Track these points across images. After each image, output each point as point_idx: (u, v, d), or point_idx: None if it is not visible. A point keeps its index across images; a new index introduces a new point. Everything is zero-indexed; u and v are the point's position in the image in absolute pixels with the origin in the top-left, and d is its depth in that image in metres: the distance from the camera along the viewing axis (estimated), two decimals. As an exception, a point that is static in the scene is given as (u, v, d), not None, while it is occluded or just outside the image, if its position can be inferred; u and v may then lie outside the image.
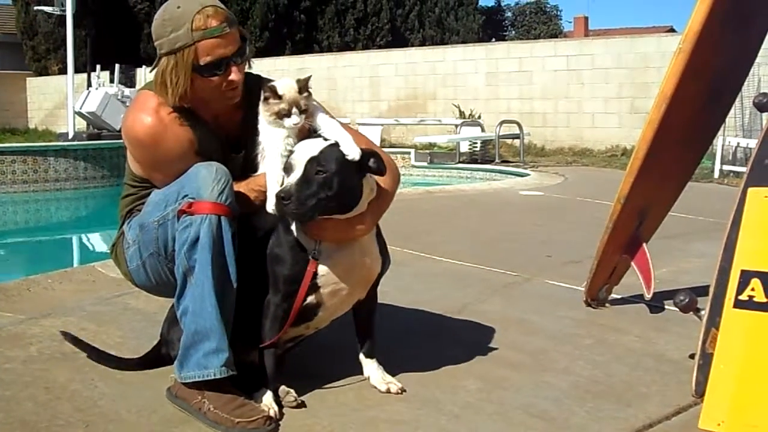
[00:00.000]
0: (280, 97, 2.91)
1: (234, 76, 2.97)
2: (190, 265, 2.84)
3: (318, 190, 2.79)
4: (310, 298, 2.96)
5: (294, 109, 2.90)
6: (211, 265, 2.81)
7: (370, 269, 3.05)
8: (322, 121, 3.00)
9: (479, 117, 17.85)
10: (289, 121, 2.90)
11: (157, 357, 3.32)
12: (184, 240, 2.85)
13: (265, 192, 2.97)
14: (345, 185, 2.84)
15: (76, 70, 20.04)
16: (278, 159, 2.92)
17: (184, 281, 2.88)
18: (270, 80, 3.27)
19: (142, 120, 3.00)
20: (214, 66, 2.94)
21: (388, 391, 3.10)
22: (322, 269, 2.93)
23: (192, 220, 2.83)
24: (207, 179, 2.85)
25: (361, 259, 2.99)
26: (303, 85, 2.94)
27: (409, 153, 15.62)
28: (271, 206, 2.85)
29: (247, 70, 3.14)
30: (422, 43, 28.45)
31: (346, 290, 3.00)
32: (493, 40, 33.45)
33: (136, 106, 3.08)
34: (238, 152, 3.12)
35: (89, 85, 20.69)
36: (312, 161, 2.81)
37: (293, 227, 2.94)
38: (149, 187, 3.17)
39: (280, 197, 2.77)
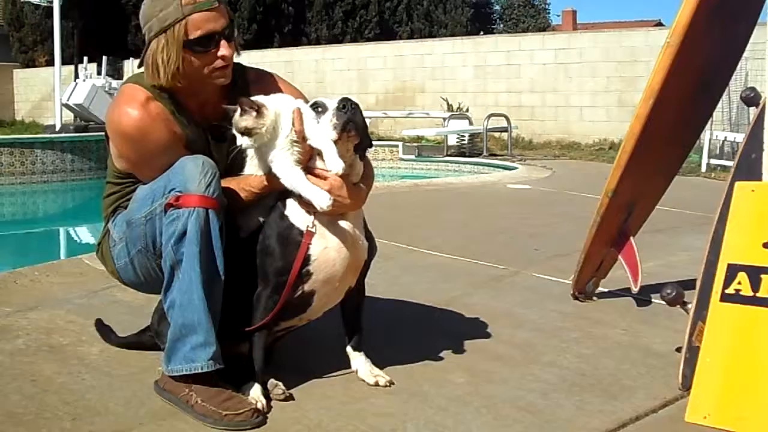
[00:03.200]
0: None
1: (225, 51, 2.96)
2: (177, 258, 2.83)
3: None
4: (304, 287, 2.97)
5: (236, 133, 2.88)
6: (198, 258, 2.80)
7: (359, 251, 3.04)
8: (309, 129, 2.96)
9: (467, 110, 17.86)
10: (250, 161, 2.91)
11: (137, 342, 3.43)
12: (172, 233, 2.84)
13: (255, 192, 2.99)
14: None
15: (63, 62, 19.96)
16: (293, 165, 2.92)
17: (171, 274, 2.87)
18: (256, 70, 3.28)
19: (129, 113, 2.98)
20: (204, 40, 2.94)
21: (377, 384, 3.10)
22: (315, 253, 2.93)
23: (179, 214, 2.82)
24: (193, 172, 2.84)
25: (351, 240, 2.99)
26: (243, 105, 2.85)
27: (397, 146, 15.62)
28: (326, 201, 2.85)
29: (236, 60, 3.15)
30: (410, 36, 28.48)
31: (339, 275, 2.99)
32: (482, 33, 33.43)
33: (122, 99, 3.05)
34: (222, 141, 3.11)
35: (76, 76, 20.57)
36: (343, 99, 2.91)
37: (288, 211, 2.95)
38: (133, 183, 3.16)
39: (343, 106, 2.85)
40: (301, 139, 2.90)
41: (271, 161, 2.93)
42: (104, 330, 3.58)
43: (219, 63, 2.97)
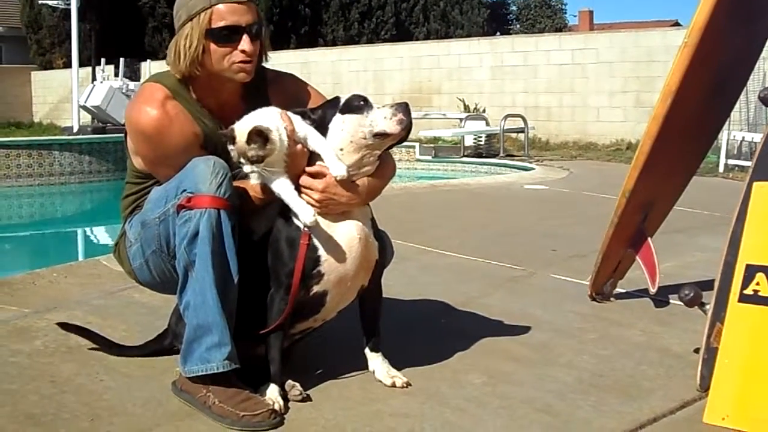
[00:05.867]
0: (235, 143, 2.85)
1: (246, 46, 2.98)
2: (190, 259, 2.84)
3: None
4: (316, 288, 2.97)
5: (242, 159, 2.84)
6: (211, 259, 2.81)
7: (370, 249, 3.03)
8: (308, 133, 2.97)
9: (484, 111, 17.82)
10: (245, 169, 2.89)
11: (159, 348, 3.38)
12: (184, 234, 2.84)
13: (260, 198, 3.00)
14: None
15: (81, 64, 20.05)
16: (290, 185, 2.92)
17: (185, 276, 2.87)
18: (276, 71, 3.29)
19: (148, 112, 2.99)
20: (227, 31, 2.97)
21: (393, 385, 3.10)
22: (325, 253, 2.93)
23: (191, 215, 2.83)
24: (205, 173, 2.85)
25: (361, 238, 2.98)
26: (253, 134, 2.80)
27: (413, 147, 15.60)
28: (309, 218, 2.87)
29: (264, 64, 3.20)
30: (427, 37, 28.43)
31: (350, 274, 2.99)
32: (498, 34, 33.41)
33: (141, 97, 3.07)
34: None
35: (94, 78, 20.71)
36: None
37: (292, 213, 2.95)
38: (152, 184, 3.17)
39: (405, 105, 2.93)
40: (293, 142, 2.91)
41: (262, 172, 2.93)
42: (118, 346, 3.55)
43: (239, 56, 2.99)
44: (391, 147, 3.03)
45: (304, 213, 2.87)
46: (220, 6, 2.96)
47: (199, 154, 2.97)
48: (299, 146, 2.94)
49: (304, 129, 2.96)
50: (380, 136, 2.91)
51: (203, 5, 2.97)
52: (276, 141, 2.84)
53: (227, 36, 2.97)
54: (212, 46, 2.99)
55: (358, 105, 2.95)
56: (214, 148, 3.03)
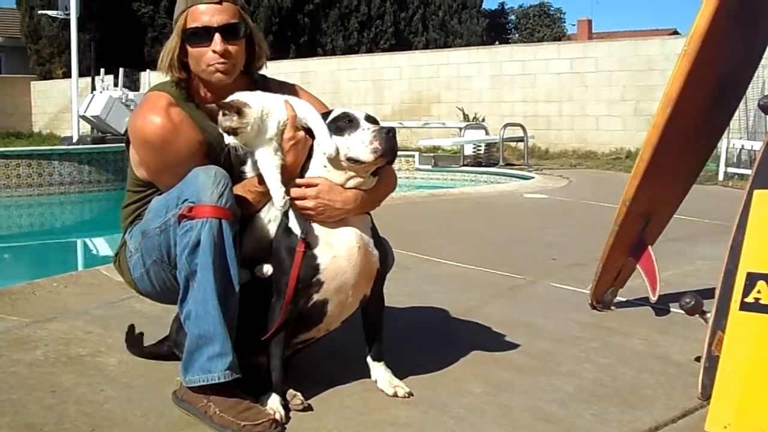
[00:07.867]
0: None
1: (217, 46, 3.00)
2: (191, 269, 2.84)
3: None
4: (317, 296, 2.96)
5: (220, 130, 2.92)
6: (212, 269, 2.81)
7: (370, 259, 3.02)
8: (307, 114, 2.98)
9: (483, 120, 17.83)
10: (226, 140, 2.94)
11: (157, 353, 3.43)
12: (186, 244, 2.84)
13: (259, 191, 2.98)
14: None
15: (80, 74, 20.03)
16: (274, 167, 2.92)
17: (186, 285, 2.87)
18: (279, 81, 3.30)
19: (152, 120, 3.00)
20: (199, 32, 3.02)
21: (395, 395, 3.09)
22: (324, 262, 2.92)
23: (192, 225, 2.83)
24: (206, 183, 2.85)
25: (361, 248, 2.97)
26: (225, 106, 2.88)
27: (413, 156, 15.62)
28: (279, 202, 2.87)
29: (262, 72, 3.24)
30: (426, 47, 28.50)
31: (350, 283, 2.98)
32: (497, 43, 33.49)
33: (146, 106, 3.08)
34: None
35: (93, 88, 20.70)
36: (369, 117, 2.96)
37: (291, 224, 2.95)
38: (152, 193, 3.17)
39: (387, 131, 2.85)
40: (293, 127, 2.92)
41: (256, 159, 2.95)
42: (133, 339, 3.56)
43: (212, 58, 3.02)
44: (382, 167, 2.99)
45: (276, 197, 2.87)
46: (195, 7, 3.03)
47: (203, 162, 2.98)
48: (301, 133, 2.94)
49: (305, 111, 2.97)
50: (354, 161, 2.89)
51: (182, 7, 3.05)
52: (250, 117, 2.87)
53: (200, 37, 3.02)
54: (188, 47, 3.05)
55: (341, 125, 2.92)
56: (217, 156, 3.03)
